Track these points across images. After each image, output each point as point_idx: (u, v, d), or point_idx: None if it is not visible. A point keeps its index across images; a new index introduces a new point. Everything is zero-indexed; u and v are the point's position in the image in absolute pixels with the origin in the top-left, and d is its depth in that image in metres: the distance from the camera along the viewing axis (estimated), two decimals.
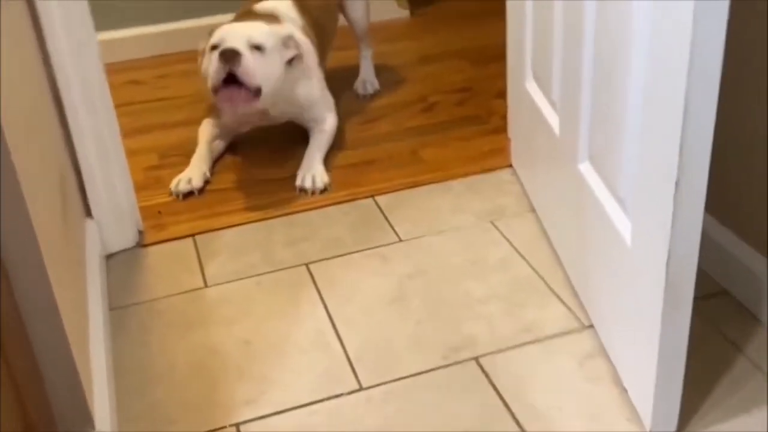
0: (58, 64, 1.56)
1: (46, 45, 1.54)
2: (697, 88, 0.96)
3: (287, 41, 1.88)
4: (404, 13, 3.02)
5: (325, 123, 2.07)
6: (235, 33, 1.80)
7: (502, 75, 1.96)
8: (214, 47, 1.79)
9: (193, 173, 1.95)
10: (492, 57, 2.52)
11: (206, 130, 2.08)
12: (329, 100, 2.10)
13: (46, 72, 1.56)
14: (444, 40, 2.82)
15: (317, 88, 2.04)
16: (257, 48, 1.79)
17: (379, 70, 2.59)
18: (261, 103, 1.83)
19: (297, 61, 1.92)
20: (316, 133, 2.05)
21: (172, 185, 1.93)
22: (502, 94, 2.05)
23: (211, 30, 1.87)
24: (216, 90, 1.77)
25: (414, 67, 2.62)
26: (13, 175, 0.96)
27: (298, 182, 1.92)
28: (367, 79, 2.46)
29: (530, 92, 1.71)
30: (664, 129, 1.02)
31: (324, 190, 1.90)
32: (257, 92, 1.79)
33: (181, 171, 1.98)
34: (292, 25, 1.99)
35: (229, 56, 1.73)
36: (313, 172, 1.93)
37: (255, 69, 1.76)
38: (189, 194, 1.92)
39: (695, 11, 0.91)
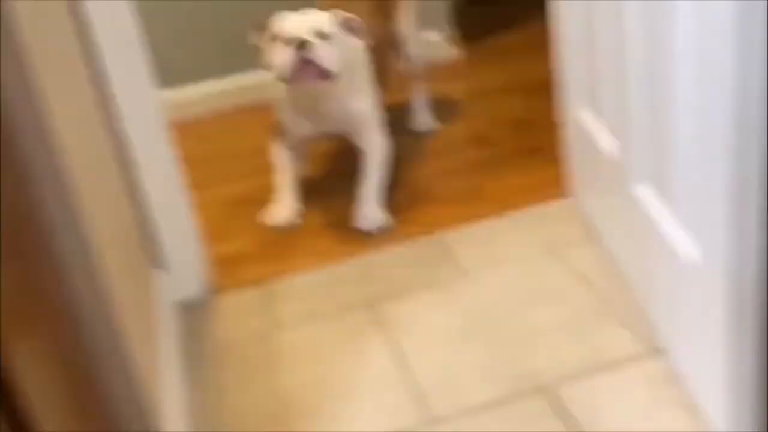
0: (124, 118, 1.63)
1: (113, 100, 1.62)
2: (749, 97, 0.95)
3: (347, 23, 1.90)
4: (455, 51, 3.05)
5: (377, 146, 2.04)
6: (297, 23, 1.83)
7: (556, 105, 1.96)
8: (275, 37, 1.82)
9: (286, 207, 2.04)
10: (545, 88, 2.50)
11: (280, 154, 2.10)
12: (380, 121, 2.07)
13: (111, 126, 1.63)
14: (496, 75, 2.83)
15: (369, 102, 2.03)
16: (323, 36, 1.82)
17: (436, 107, 2.61)
18: (332, 82, 1.85)
19: (356, 64, 1.94)
20: (369, 165, 2.03)
21: (267, 218, 2.03)
22: (557, 125, 2.05)
23: (258, 25, 1.89)
24: (288, 75, 1.82)
25: (469, 103, 2.64)
26: (82, 228, 1.01)
27: (355, 223, 1.95)
28: (423, 117, 2.50)
29: (585, 120, 1.70)
30: (719, 143, 1.01)
31: (382, 228, 1.93)
32: (330, 74, 1.83)
33: (249, 221, 2.05)
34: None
35: (301, 45, 1.78)
36: (366, 211, 1.95)
37: (327, 53, 1.80)
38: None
39: (739, 26, 0.90)
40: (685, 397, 1.29)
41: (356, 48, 1.96)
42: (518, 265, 1.73)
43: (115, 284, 1.16)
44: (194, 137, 2.70)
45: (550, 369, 1.41)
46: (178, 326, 1.70)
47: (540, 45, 1.94)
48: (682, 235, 1.21)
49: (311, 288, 1.78)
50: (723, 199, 1.03)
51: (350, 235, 1.94)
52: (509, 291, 1.65)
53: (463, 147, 2.32)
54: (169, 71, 2.62)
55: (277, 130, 2.11)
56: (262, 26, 1.88)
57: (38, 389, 0.86)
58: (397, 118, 2.48)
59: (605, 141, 1.57)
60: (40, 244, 0.95)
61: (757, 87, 0.94)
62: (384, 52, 2.17)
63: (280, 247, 1.95)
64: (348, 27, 1.90)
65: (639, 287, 1.51)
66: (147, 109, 1.65)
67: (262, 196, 2.17)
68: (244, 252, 1.95)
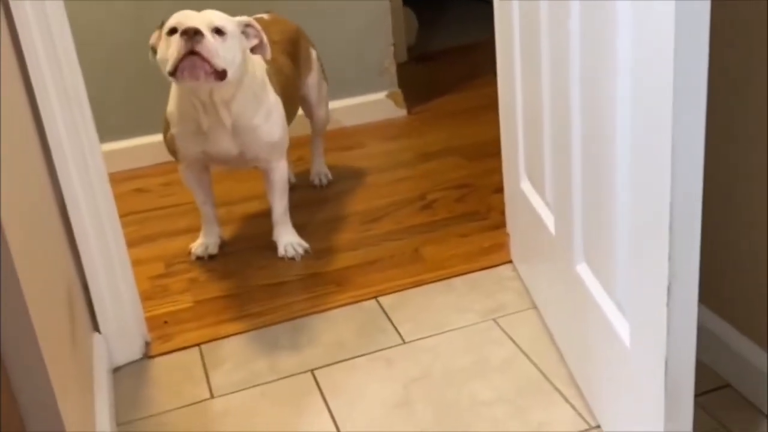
0: (63, 176, 1.60)
1: (51, 156, 1.59)
2: (681, 194, 0.99)
3: (247, 28, 1.84)
4: (401, 112, 3.11)
5: (280, 170, 2.06)
6: (193, 16, 1.76)
7: (499, 170, 2.01)
8: (172, 31, 1.74)
9: (209, 240, 2.16)
10: (489, 153, 2.57)
11: (190, 178, 2.09)
12: (286, 145, 2.06)
13: (51, 184, 1.60)
14: (441, 137, 2.89)
15: (278, 125, 1.98)
16: (218, 31, 1.75)
17: (379, 169, 2.65)
18: (225, 85, 1.79)
19: (258, 86, 1.91)
20: (276, 191, 2.08)
21: (193, 250, 2.16)
22: (500, 190, 2.09)
23: (162, 22, 1.81)
24: (176, 68, 1.72)
25: (413, 165, 2.68)
26: (18, 291, 0.98)
27: (280, 253, 2.11)
28: (322, 171, 2.58)
29: (525, 192, 1.75)
30: (653, 233, 1.05)
31: (307, 252, 2.11)
32: (222, 74, 1.75)
33: (186, 278, 2.02)
34: (258, 61, 1.96)
35: (191, 34, 1.69)
36: (290, 240, 2.12)
37: (218, 49, 1.72)
38: (201, 258, 2.14)
39: (674, 112, 0.95)
40: None
41: (256, 61, 1.92)
42: (458, 334, 1.74)
43: (53, 350, 1.13)
44: (136, 191, 2.68)
45: None
46: (113, 393, 1.66)
47: (491, 107, 1.99)
48: (616, 316, 1.25)
49: (248, 352, 1.76)
50: (652, 285, 1.06)
51: (290, 298, 1.93)
52: (449, 360, 1.66)
53: (406, 210, 2.34)
54: (111, 125, 2.60)
55: (170, 148, 2.03)
56: (160, 24, 1.81)
57: None
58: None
59: (545, 215, 1.61)
60: None
61: (691, 181, 0.99)
62: (291, 96, 2.17)
63: (218, 311, 1.92)
64: (248, 32, 1.85)
65: (576, 362, 1.53)
66: (89, 161, 1.62)
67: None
68: (181, 315, 1.92)
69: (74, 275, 1.63)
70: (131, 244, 1.90)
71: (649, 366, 1.12)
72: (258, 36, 1.86)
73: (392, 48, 3.06)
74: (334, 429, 1.49)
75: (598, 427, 1.42)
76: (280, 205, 2.10)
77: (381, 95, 3.07)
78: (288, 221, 2.14)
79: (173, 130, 1.97)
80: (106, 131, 2.50)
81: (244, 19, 1.85)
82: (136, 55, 2.74)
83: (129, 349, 1.76)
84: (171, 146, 2.02)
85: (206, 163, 2.08)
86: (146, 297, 1.95)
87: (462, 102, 3.21)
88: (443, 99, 3.28)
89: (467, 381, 1.59)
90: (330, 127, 2.98)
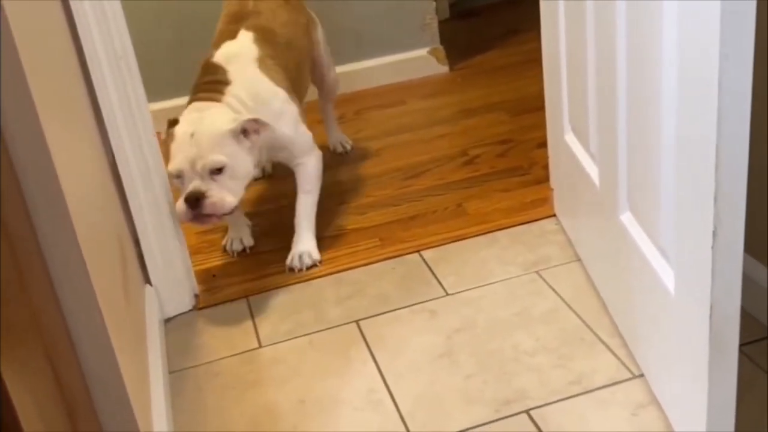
0: (113, 134, 1.65)
1: (102, 116, 1.63)
2: (727, 137, 0.98)
3: (247, 124, 1.73)
4: (443, 68, 3.09)
5: (308, 166, 1.96)
6: (191, 162, 1.68)
7: (542, 125, 2.00)
8: (177, 176, 1.71)
9: (241, 232, 2.04)
10: (532, 108, 2.56)
11: None
12: (307, 138, 1.96)
13: (102, 142, 1.64)
14: (483, 93, 2.87)
15: (290, 125, 1.89)
16: (218, 170, 1.69)
17: (420, 125, 2.65)
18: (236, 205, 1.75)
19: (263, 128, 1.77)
20: (301, 192, 1.96)
21: (227, 246, 2.02)
22: (543, 145, 2.08)
23: (170, 122, 1.75)
24: (185, 221, 1.73)
25: (454, 121, 2.67)
26: (75, 245, 1.02)
27: (287, 261, 1.92)
28: (340, 138, 2.52)
29: (569, 144, 1.74)
30: (698, 178, 1.05)
31: (312, 266, 1.91)
32: (228, 213, 1.74)
33: None
34: (249, 62, 1.87)
35: (193, 202, 1.67)
36: (301, 250, 1.91)
37: (219, 201, 1.68)
38: (243, 251, 2.03)
39: (721, 62, 0.94)
40: (665, 422, 1.32)
41: (267, 74, 1.86)
42: (502, 286, 1.75)
43: (108, 300, 1.17)
44: None
45: (532, 392, 1.44)
46: (165, 342, 1.71)
47: (533, 62, 1.97)
48: (662, 265, 1.25)
49: (295, 304, 1.80)
50: (698, 231, 1.06)
51: (335, 252, 1.96)
52: (492, 311, 1.67)
53: (449, 166, 2.34)
54: (160, 84, 2.64)
55: None
56: (171, 123, 1.76)
57: (30, 407, 0.87)
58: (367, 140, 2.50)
59: (589, 166, 1.61)
60: (34, 261, 0.97)
61: (738, 124, 0.98)
62: (302, 65, 2.09)
63: (264, 264, 1.96)
64: (248, 128, 1.74)
65: (619, 312, 1.54)
66: (138, 121, 1.66)
67: (250, 210, 2.19)
68: (229, 268, 1.97)
69: (126, 230, 1.68)
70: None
71: (694, 313, 1.13)
72: (258, 130, 1.75)
73: (434, 3, 3.04)
74: (379, 377, 1.53)
75: (642, 375, 1.43)
76: (305, 203, 1.96)
77: (422, 52, 3.05)
78: (311, 225, 1.96)
79: None
80: (155, 91, 2.54)
81: (239, 123, 1.71)
82: (182, 16, 2.77)
83: (179, 301, 1.81)
84: None
85: None
86: (194, 252, 1.99)
87: (504, 58, 3.18)
88: (485, 55, 3.25)
89: (510, 332, 1.60)
90: (370, 84, 2.99)
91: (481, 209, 2.08)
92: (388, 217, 2.10)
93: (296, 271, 1.90)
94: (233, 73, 1.84)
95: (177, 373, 1.62)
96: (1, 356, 0.81)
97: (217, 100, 1.79)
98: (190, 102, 1.84)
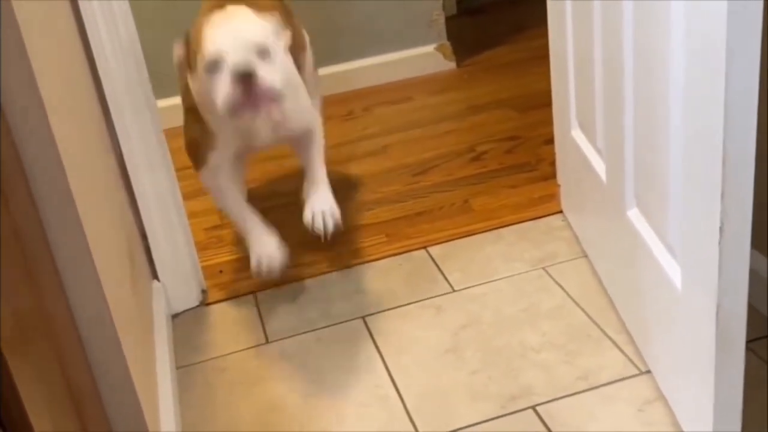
0: (120, 130, 1.65)
1: (110, 111, 1.63)
2: (734, 133, 0.98)
3: (278, 29, 1.55)
4: (450, 64, 3.08)
5: (316, 132, 1.77)
6: (234, 42, 1.46)
7: (549, 121, 1.99)
8: (213, 66, 1.46)
9: (270, 246, 1.71)
10: (539, 104, 2.55)
11: (217, 182, 1.73)
12: (313, 108, 1.81)
13: (109, 138, 1.65)
14: (491, 89, 2.87)
15: (301, 93, 1.73)
16: (263, 53, 1.47)
17: (427, 121, 2.65)
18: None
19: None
20: (310, 146, 1.75)
21: (255, 269, 1.71)
22: (550, 141, 2.08)
23: (187, 34, 1.55)
24: (233, 112, 1.48)
25: (462, 118, 2.67)
26: (83, 241, 1.03)
27: (307, 219, 1.67)
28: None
29: (576, 140, 1.74)
30: (704, 174, 1.04)
31: (337, 227, 1.68)
32: (277, 98, 1.49)
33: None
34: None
35: (246, 79, 1.43)
36: (322, 207, 1.68)
37: (273, 79, 1.46)
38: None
39: (727, 57, 0.94)
40: (672, 419, 1.32)
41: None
42: (508, 282, 1.75)
43: (116, 296, 1.18)
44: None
45: (539, 388, 1.44)
46: (173, 338, 1.72)
47: (541, 59, 1.96)
48: (668, 261, 1.24)
49: (302, 299, 1.80)
50: (704, 227, 1.06)
51: (342, 248, 1.97)
52: (498, 308, 1.67)
53: (456, 162, 2.34)
54: (168, 81, 2.64)
55: (203, 149, 1.69)
56: (188, 36, 1.54)
57: (39, 403, 0.88)
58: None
59: (596, 163, 1.60)
60: (42, 257, 0.98)
61: (745, 120, 0.98)
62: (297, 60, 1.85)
63: None
64: (279, 32, 1.55)
65: (627, 308, 1.54)
66: (146, 117, 1.67)
67: (255, 205, 2.19)
68: (236, 264, 1.97)
69: (133, 226, 1.69)
70: (187, 196, 1.95)
71: (701, 309, 1.12)
72: (287, 37, 1.58)
73: (441, 0, 3.03)
74: (386, 372, 1.53)
75: (649, 372, 1.43)
76: (315, 151, 1.75)
77: (429, 48, 3.05)
78: (325, 179, 1.75)
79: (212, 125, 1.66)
80: (165, 88, 2.54)
81: (274, 20, 1.56)
82: (192, 14, 2.78)
83: (187, 297, 1.82)
84: (202, 147, 1.70)
85: (240, 155, 1.77)
86: (202, 247, 2.00)
87: (511, 54, 3.17)
88: (493, 51, 3.24)
89: (516, 328, 1.60)
90: (378, 81, 2.99)
91: (488, 205, 2.08)
92: (395, 214, 2.10)
93: (322, 237, 1.67)
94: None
95: (185, 368, 1.63)
96: (9, 353, 0.82)
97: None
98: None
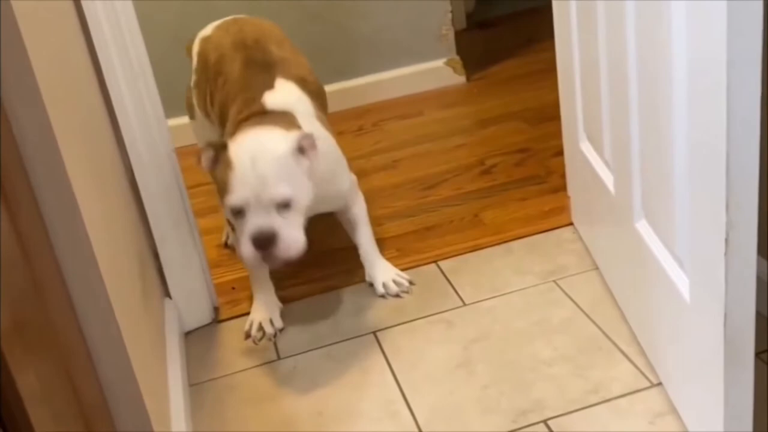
0: (132, 149, 1.67)
1: (120, 130, 1.65)
2: (737, 143, 0.98)
3: (303, 144, 1.54)
4: (460, 79, 3.10)
5: (359, 205, 1.87)
6: (258, 195, 1.48)
7: (559, 134, 1.99)
8: (237, 212, 1.51)
9: (271, 311, 1.79)
10: (549, 116, 2.55)
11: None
12: (354, 179, 1.86)
13: (120, 157, 1.67)
14: (500, 102, 2.88)
15: (345, 179, 1.80)
16: (285, 205, 1.50)
17: (437, 136, 2.65)
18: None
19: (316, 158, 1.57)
20: (357, 225, 1.87)
21: (252, 332, 1.75)
22: (560, 153, 2.07)
23: (214, 146, 1.55)
24: (254, 264, 1.57)
25: (472, 131, 2.68)
26: (92, 258, 1.04)
27: (381, 291, 1.82)
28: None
29: (585, 152, 1.74)
30: (709, 186, 1.04)
31: (412, 284, 1.83)
32: (298, 255, 1.54)
33: None
34: (311, 114, 1.72)
35: (264, 243, 1.48)
36: (388, 275, 1.84)
37: (292, 240, 1.50)
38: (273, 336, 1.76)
39: (728, 69, 0.94)
40: (682, 430, 1.31)
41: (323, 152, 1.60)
42: (519, 296, 1.75)
43: (126, 314, 1.19)
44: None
45: (550, 401, 1.43)
46: (185, 355, 1.73)
47: (550, 71, 1.97)
48: (677, 273, 1.24)
49: (312, 315, 1.80)
50: (711, 238, 1.06)
51: (350, 264, 1.97)
52: (509, 321, 1.67)
53: (466, 176, 2.35)
54: (177, 100, 2.67)
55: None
56: (215, 148, 1.56)
57: (48, 421, 0.88)
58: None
59: (604, 174, 1.60)
60: (51, 274, 0.99)
61: (748, 130, 0.97)
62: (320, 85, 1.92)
63: (281, 276, 1.97)
64: (304, 145, 1.54)
65: (637, 321, 1.53)
66: (156, 134, 1.69)
67: None
68: (248, 282, 1.97)
69: (145, 244, 1.70)
70: (199, 214, 1.97)
71: (709, 321, 1.12)
72: (313, 146, 1.55)
73: (450, 14, 3.05)
74: (397, 387, 1.53)
75: (660, 384, 1.42)
76: (366, 238, 1.87)
77: (439, 62, 3.06)
78: (378, 253, 1.89)
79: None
80: (176, 107, 2.56)
81: (295, 139, 1.53)
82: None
83: (199, 314, 1.83)
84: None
85: None
86: (214, 265, 2.01)
87: (521, 68, 3.18)
88: (502, 65, 3.25)
89: (527, 341, 1.60)
90: (388, 95, 3.01)
91: (498, 219, 2.08)
92: (406, 228, 2.11)
93: (401, 296, 1.81)
94: (301, 119, 1.67)
95: (197, 386, 1.64)
96: (17, 370, 0.83)
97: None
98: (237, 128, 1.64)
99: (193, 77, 2.04)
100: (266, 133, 1.56)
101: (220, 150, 1.55)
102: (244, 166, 1.50)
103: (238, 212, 1.51)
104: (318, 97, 1.84)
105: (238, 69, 1.80)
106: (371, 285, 1.86)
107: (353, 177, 1.87)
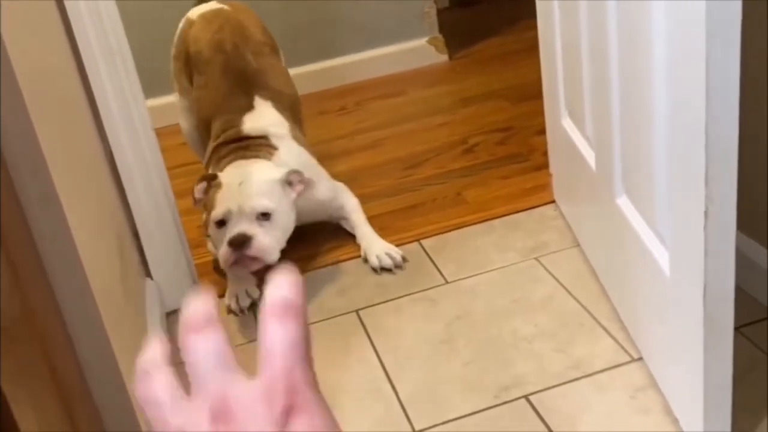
0: (110, 130, 1.65)
1: (98, 110, 1.63)
2: (716, 117, 0.98)
3: (291, 176, 1.72)
4: (442, 57, 3.08)
5: (347, 206, 1.98)
6: (240, 205, 1.64)
7: (542, 112, 1.99)
8: (220, 223, 1.66)
9: (246, 283, 1.80)
10: (531, 95, 2.54)
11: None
12: (341, 185, 2.00)
13: (99, 138, 1.65)
14: (483, 81, 2.87)
15: (325, 187, 1.92)
16: (265, 215, 1.66)
17: (420, 115, 2.65)
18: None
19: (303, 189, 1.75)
20: (350, 216, 1.97)
21: (231, 305, 1.78)
22: (542, 131, 2.07)
23: (206, 177, 1.73)
24: (230, 266, 1.69)
25: (454, 110, 2.67)
26: (70, 239, 1.03)
27: (374, 263, 1.84)
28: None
29: (566, 129, 1.74)
30: (689, 160, 1.05)
31: (405, 260, 1.85)
32: (269, 263, 1.66)
33: None
34: (286, 135, 1.88)
35: (240, 243, 1.63)
36: (383, 248, 1.87)
37: (267, 245, 1.64)
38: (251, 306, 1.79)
39: (708, 43, 0.94)
40: (664, 405, 1.32)
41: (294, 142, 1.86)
42: (501, 273, 1.76)
43: (105, 293, 1.18)
44: (183, 145, 2.72)
45: (532, 377, 1.44)
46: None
47: (533, 50, 1.96)
48: (657, 247, 1.25)
49: None
50: (690, 212, 1.06)
51: (333, 243, 1.97)
52: (491, 298, 1.67)
53: (448, 154, 2.34)
54: (157, 81, 2.64)
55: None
56: (208, 180, 1.72)
57: (27, 406, 0.88)
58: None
59: (586, 151, 1.60)
60: (28, 257, 0.98)
61: (727, 104, 0.97)
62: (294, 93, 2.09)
63: None
64: (292, 179, 1.72)
65: (618, 296, 1.54)
66: (135, 115, 1.67)
67: None
68: None
69: (125, 224, 1.69)
70: (180, 194, 1.95)
71: (689, 294, 1.13)
72: (302, 182, 1.73)
73: None
74: (380, 365, 1.53)
75: (641, 359, 1.43)
76: (361, 221, 1.96)
77: (422, 41, 3.05)
78: (374, 232, 1.93)
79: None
80: (155, 87, 2.54)
81: (286, 173, 1.71)
82: (180, 14, 2.77)
83: (181, 294, 1.81)
84: None
85: None
86: (195, 245, 2.00)
87: (503, 46, 3.17)
88: (485, 44, 3.24)
89: (509, 318, 1.61)
90: (370, 75, 2.99)
91: (480, 197, 2.08)
92: (388, 207, 2.10)
93: (394, 270, 1.82)
94: (276, 142, 1.85)
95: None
96: None
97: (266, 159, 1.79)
98: (223, 159, 1.81)
99: (173, 49, 2.18)
100: (257, 165, 1.75)
101: (211, 181, 1.72)
102: (231, 186, 1.68)
103: (221, 222, 1.66)
104: (293, 109, 2.01)
105: (218, 77, 1.97)
106: (366, 261, 1.87)
107: (338, 185, 1.98)
